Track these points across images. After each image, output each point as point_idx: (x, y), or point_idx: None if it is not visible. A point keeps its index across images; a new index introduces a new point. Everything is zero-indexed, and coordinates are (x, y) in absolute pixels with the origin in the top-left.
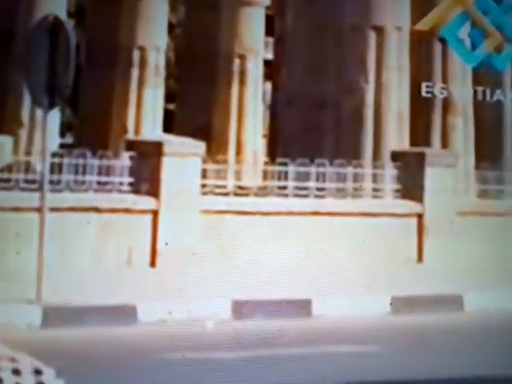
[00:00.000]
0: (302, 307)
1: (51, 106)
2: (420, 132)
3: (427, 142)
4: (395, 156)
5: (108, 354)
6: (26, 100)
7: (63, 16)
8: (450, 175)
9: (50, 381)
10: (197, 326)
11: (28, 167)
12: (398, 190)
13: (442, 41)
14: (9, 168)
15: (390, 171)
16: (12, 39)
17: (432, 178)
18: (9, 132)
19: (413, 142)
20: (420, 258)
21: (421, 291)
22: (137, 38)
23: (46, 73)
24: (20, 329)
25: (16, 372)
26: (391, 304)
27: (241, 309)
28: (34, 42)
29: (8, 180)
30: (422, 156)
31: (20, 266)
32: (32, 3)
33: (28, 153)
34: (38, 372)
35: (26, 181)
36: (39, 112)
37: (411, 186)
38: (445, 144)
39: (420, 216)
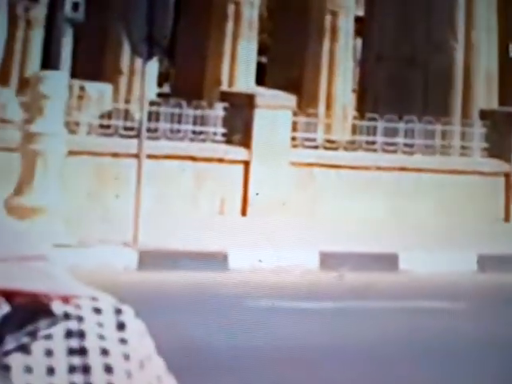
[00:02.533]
0: (389, 261)
1: (149, 56)
2: (509, 91)
3: None
4: (484, 114)
5: (199, 299)
6: (126, 50)
7: None
8: None
9: (130, 320)
10: (285, 274)
11: (127, 115)
12: (486, 149)
13: None
14: (109, 115)
15: (478, 129)
16: None
17: None
18: (109, 80)
19: (501, 102)
20: (507, 218)
21: (508, 250)
22: None
23: (145, 24)
24: (117, 270)
25: (97, 311)
26: (478, 262)
27: (328, 260)
28: None
29: (108, 126)
30: (510, 115)
31: (118, 209)
32: None
33: (127, 101)
34: (118, 311)
35: (125, 128)
36: (138, 62)
37: (499, 145)
38: None
39: (508, 175)
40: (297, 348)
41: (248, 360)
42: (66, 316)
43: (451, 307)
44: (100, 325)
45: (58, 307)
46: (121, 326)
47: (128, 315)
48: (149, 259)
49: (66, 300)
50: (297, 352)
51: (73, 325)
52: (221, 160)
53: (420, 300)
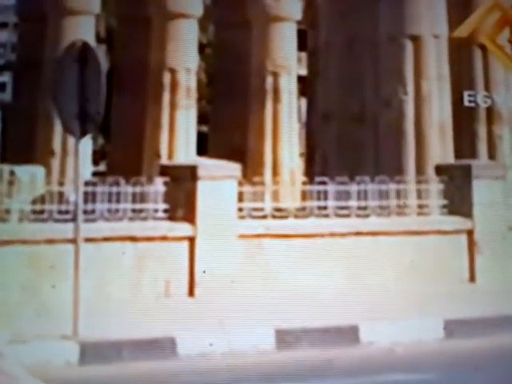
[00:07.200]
0: (350, 334)
1: (83, 134)
2: (465, 144)
3: (473, 154)
4: (440, 170)
5: None
6: (57, 129)
7: (92, 41)
8: (499, 188)
9: None
10: (239, 357)
11: (61, 197)
12: (444, 206)
13: (482, 47)
14: (42, 199)
15: (435, 186)
16: (41, 67)
17: (480, 191)
18: (41, 162)
19: (458, 155)
20: (472, 278)
21: (475, 313)
22: (167, 60)
23: (77, 100)
24: (58, 366)
25: None
26: (444, 328)
27: (285, 338)
28: (63, 69)
29: (41, 211)
30: (468, 169)
31: (56, 300)
32: (59, 30)
33: (61, 183)
34: None
35: (60, 212)
36: (71, 140)
37: (459, 201)
38: (492, 155)
39: (470, 232)
40: None
41: None
42: None
43: (420, 379)
44: None
45: None
46: None
47: None
48: (91, 352)
49: None
50: None
51: None
52: (164, 238)
53: (385, 374)
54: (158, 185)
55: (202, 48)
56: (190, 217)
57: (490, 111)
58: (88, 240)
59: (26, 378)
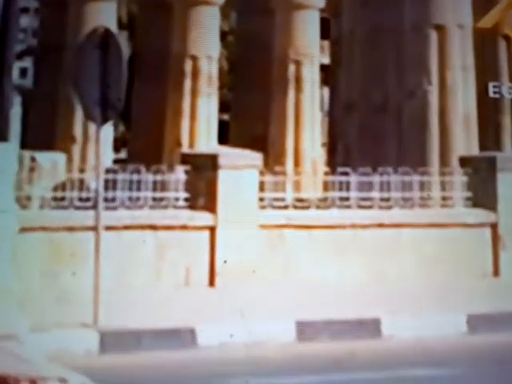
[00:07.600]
0: (371, 327)
1: (104, 121)
2: (489, 135)
3: (497, 146)
4: (464, 162)
5: (166, 381)
6: (78, 116)
7: (113, 27)
8: None
9: None
10: (260, 349)
11: (82, 185)
12: (468, 198)
13: (507, 38)
14: (63, 186)
15: (459, 178)
16: (62, 53)
17: (505, 184)
18: (62, 148)
19: (482, 147)
20: (496, 272)
21: (499, 308)
22: (188, 47)
23: (98, 87)
24: (78, 355)
25: None
26: (467, 323)
27: (305, 330)
28: (85, 55)
29: (62, 198)
30: (492, 161)
31: (76, 288)
32: (81, 16)
33: (82, 170)
34: None
35: (81, 199)
36: (92, 127)
37: (483, 194)
38: None
39: (494, 225)
40: None
41: None
42: None
43: (441, 374)
44: None
45: None
46: None
47: None
48: (111, 340)
49: (33, 382)
50: None
51: None
52: (184, 227)
53: (407, 368)
54: (179, 173)
55: (223, 35)
56: (210, 206)
57: None
58: (108, 228)
59: (47, 364)
